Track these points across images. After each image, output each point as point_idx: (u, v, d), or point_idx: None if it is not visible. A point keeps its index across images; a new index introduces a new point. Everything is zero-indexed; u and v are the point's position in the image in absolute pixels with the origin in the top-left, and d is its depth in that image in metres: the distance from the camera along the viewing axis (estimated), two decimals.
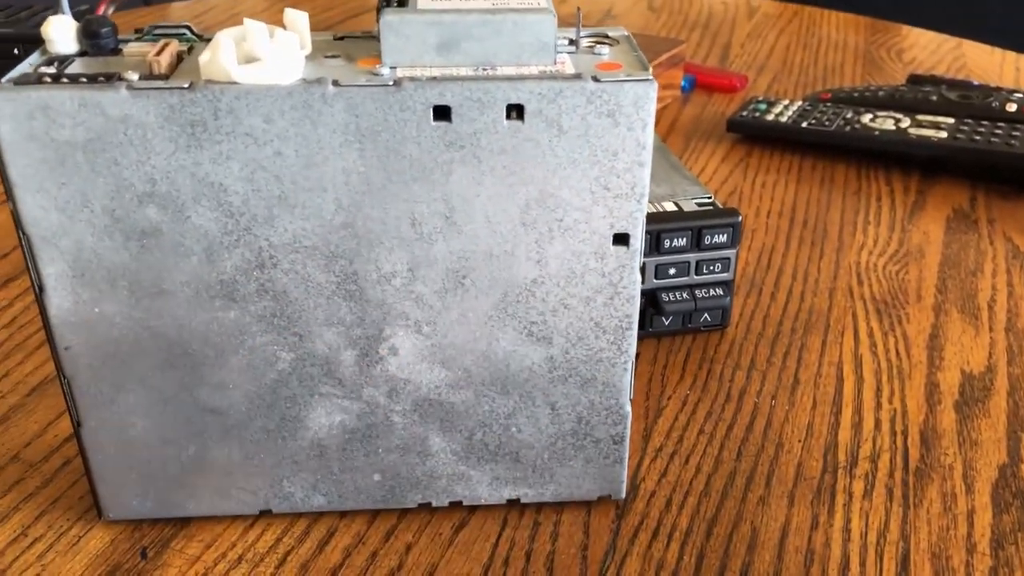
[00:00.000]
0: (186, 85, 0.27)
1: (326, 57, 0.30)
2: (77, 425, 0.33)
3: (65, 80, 0.27)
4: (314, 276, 0.31)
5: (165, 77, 0.28)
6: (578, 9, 0.31)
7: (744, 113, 0.71)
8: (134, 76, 0.28)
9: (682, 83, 0.79)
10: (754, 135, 0.71)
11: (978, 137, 0.64)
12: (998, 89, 0.72)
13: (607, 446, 0.35)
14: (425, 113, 0.28)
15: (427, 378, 0.33)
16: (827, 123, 0.68)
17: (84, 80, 0.27)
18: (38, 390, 0.43)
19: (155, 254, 0.30)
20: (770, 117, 0.70)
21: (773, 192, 0.63)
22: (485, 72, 0.29)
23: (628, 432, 0.35)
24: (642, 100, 0.28)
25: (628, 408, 0.34)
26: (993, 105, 0.69)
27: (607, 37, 0.32)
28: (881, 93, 0.72)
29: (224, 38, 0.28)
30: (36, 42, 0.68)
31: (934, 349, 0.47)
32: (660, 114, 0.76)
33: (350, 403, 0.33)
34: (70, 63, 0.29)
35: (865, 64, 0.90)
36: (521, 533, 0.36)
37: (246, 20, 0.28)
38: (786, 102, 0.73)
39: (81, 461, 0.34)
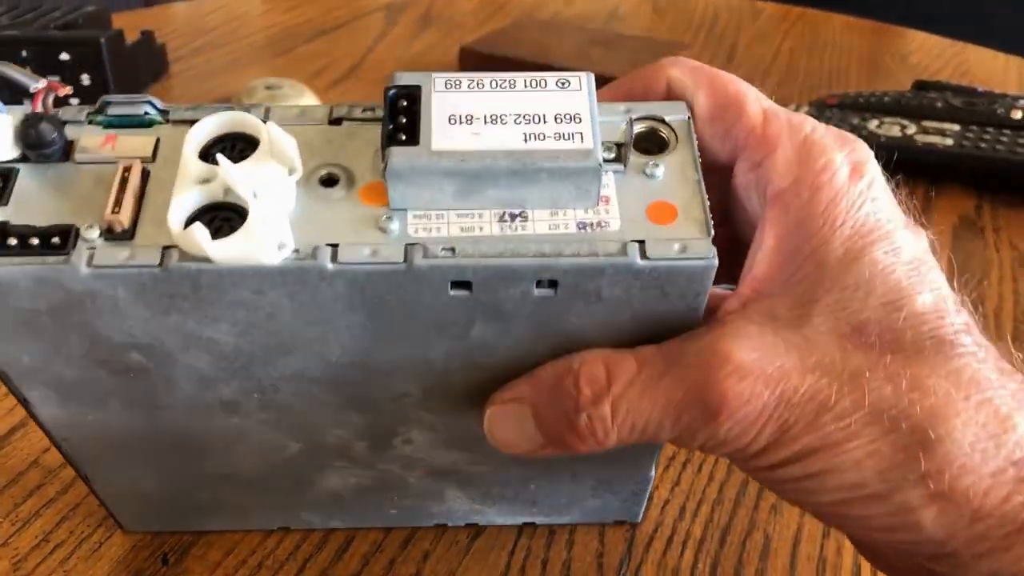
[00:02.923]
0: (156, 264, 0.23)
1: (321, 183, 0.24)
2: (84, 477, 0.33)
3: (13, 242, 0.23)
4: (320, 396, 0.28)
5: (130, 235, 0.23)
6: (629, 120, 0.25)
7: None
8: (94, 234, 0.23)
9: None
10: None
11: (983, 144, 0.64)
12: (1003, 95, 0.73)
13: (628, 497, 0.35)
14: (442, 284, 0.23)
15: (443, 459, 0.32)
16: None
17: (35, 242, 0.23)
18: None
19: (145, 383, 0.27)
20: None
21: None
22: (512, 225, 0.23)
23: (651, 487, 0.35)
24: (698, 277, 0.24)
25: (652, 473, 0.34)
26: (998, 112, 0.69)
27: (663, 124, 0.25)
28: (887, 99, 0.73)
29: (184, 196, 0.23)
30: (44, 44, 0.68)
31: None
32: None
33: (364, 472, 0.32)
34: (11, 185, 0.24)
35: (870, 69, 0.91)
36: (537, 542, 0.36)
37: (221, 161, 0.23)
38: (792, 107, 0.73)
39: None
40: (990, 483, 0.22)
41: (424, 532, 0.36)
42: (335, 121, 0.25)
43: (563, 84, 0.24)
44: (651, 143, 0.25)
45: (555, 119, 0.23)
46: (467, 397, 0.28)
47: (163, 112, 0.25)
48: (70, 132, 0.25)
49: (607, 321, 0.25)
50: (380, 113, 0.25)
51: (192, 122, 0.24)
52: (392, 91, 0.24)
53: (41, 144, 0.24)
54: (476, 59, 0.76)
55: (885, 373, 0.23)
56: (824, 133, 0.25)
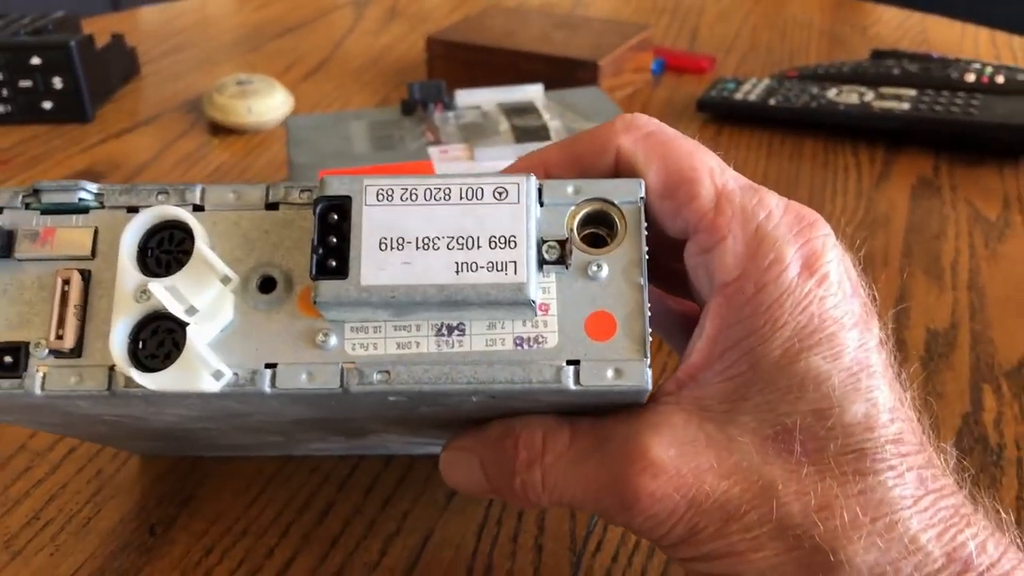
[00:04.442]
0: (104, 388, 0.23)
1: (259, 288, 0.24)
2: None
3: None
4: (289, 426, 0.30)
5: (77, 353, 0.23)
6: (570, 232, 0.24)
7: (713, 93, 0.73)
8: (43, 353, 0.23)
9: (652, 66, 0.81)
10: (724, 114, 0.73)
11: (939, 107, 0.66)
12: (956, 60, 0.75)
13: None
14: (381, 398, 0.24)
15: (416, 437, 0.34)
16: (793, 99, 0.70)
17: None
18: None
19: (122, 426, 0.29)
20: (738, 96, 0.72)
21: (744, 168, 0.65)
22: (449, 340, 0.23)
23: None
24: (632, 398, 0.24)
25: None
26: (952, 76, 0.71)
27: (612, 207, 0.24)
28: (845, 68, 0.75)
29: (123, 320, 0.23)
30: (15, 50, 0.69)
31: (901, 309, 0.49)
32: (632, 97, 0.78)
33: (346, 443, 0.35)
34: None
35: (830, 42, 0.93)
36: None
37: (153, 287, 0.22)
38: (754, 80, 0.75)
39: (85, 447, 0.35)
40: None
41: (402, 492, 0.37)
42: (271, 206, 0.24)
43: (500, 195, 0.23)
44: (599, 224, 0.24)
45: (489, 243, 0.23)
46: (432, 421, 0.29)
47: (98, 195, 0.25)
48: (7, 217, 0.25)
49: (550, 403, 0.25)
50: (312, 196, 0.24)
51: (128, 208, 0.24)
52: (321, 204, 0.23)
53: None
54: (443, 47, 0.77)
55: (797, 488, 0.23)
56: (778, 222, 0.24)
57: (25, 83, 0.70)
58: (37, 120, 0.71)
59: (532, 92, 0.60)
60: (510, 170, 0.27)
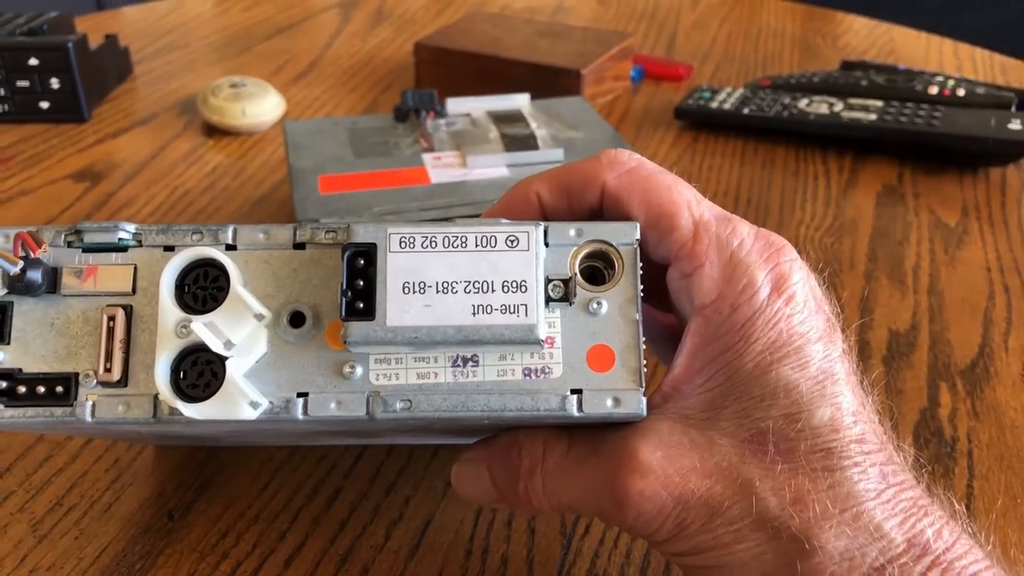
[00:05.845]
0: (150, 416, 0.25)
1: (290, 323, 0.26)
2: None
3: (23, 390, 0.26)
4: (309, 437, 0.33)
5: (124, 383, 0.26)
6: (573, 273, 0.27)
7: (690, 101, 0.76)
8: (92, 382, 0.26)
9: (631, 74, 0.84)
10: (700, 122, 0.76)
11: (904, 118, 0.69)
12: (921, 72, 0.79)
13: None
14: (401, 419, 0.26)
15: (426, 439, 0.36)
16: (767, 108, 0.73)
17: (42, 390, 0.26)
18: None
19: (152, 434, 0.32)
20: (714, 104, 0.75)
21: (719, 175, 0.68)
22: (464, 371, 0.26)
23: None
24: (630, 421, 0.27)
25: None
26: (917, 88, 0.74)
27: (611, 248, 0.27)
28: (816, 79, 0.78)
29: (166, 355, 0.25)
30: (13, 50, 0.71)
31: (865, 311, 0.53)
32: (612, 104, 0.81)
33: (357, 439, 0.37)
34: (9, 321, 0.26)
35: (802, 51, 0.96)
36: None
37: (194, 325, 0.25)
38: (729, 89, 0.78)
39: (102, 440, 0.38)
40: None
41: (404, 480, 0.40)
42: (299, 245, 0.27)
43: (512, 242, 0.25)
44: (599, 260, 0.27)
45: (503, 288, 0.25)
46: (442, 432, 0.32)
47: (136, 235, 0.27)
48: (51, 254, 0.27)
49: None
50: (341, 237, 0.26)
51: (165, 247, 0.27)
52: (349, 251, 0.25)
53: (31, 291, 0.26)
54: (431, 53, 0.79)
55: (773, 484, 0.26)
56: (750, 249, 0.27)
57: (23, 83, 0.72)
58: (35, 119, 0.73)
59: (519, 101, 0.62)
60: (507, 198, 0.30)
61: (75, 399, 0.26)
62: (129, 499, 0.39)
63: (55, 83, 0.72)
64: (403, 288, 0.25)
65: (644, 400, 0.26)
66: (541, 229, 0.26)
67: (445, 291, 0.25)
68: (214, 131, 0.73)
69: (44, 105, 0.73)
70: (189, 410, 0.25)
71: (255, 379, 0.26)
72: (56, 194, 0.64)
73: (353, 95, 0.82)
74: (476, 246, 0.25)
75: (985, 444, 0.43)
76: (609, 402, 0.26)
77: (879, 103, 0.72)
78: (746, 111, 0.73)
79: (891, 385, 0.47)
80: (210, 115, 0.72)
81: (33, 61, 0.71)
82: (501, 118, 0.60)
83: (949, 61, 0.94)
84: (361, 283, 0.25)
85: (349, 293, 0.25)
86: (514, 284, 0.25)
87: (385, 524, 0.38)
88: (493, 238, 0.25)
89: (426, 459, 0.41)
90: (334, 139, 0.58)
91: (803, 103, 0.73)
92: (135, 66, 0.85)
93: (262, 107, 0.72)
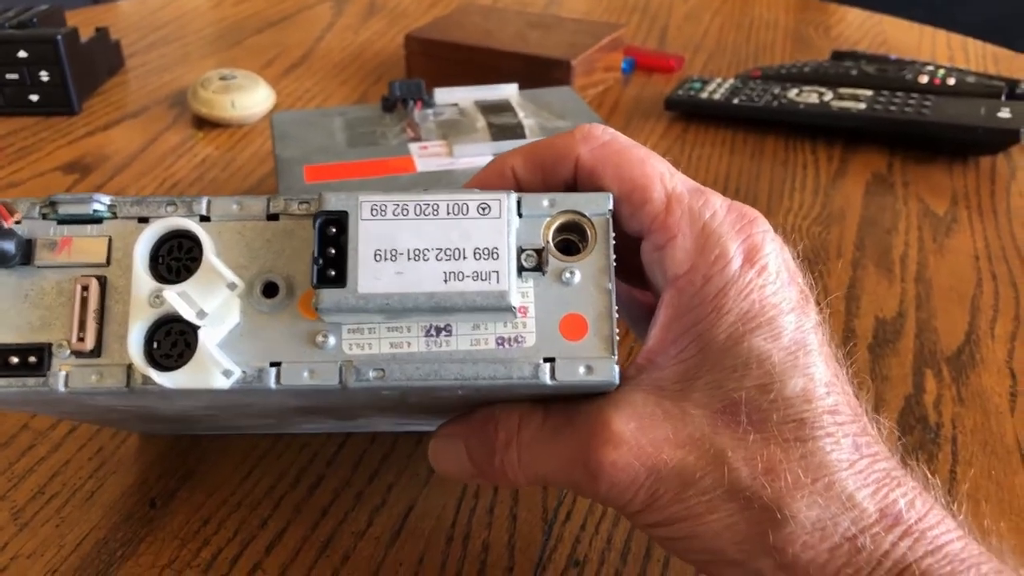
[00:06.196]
0: (123, 385, 0.25)
1: (263, 293, 0.26)
2: None
3: None
4: (288, 415, 0.33)
5: (97, 353, 0.26)
6: (546, 242, 0.26)
7: (680, 92, 0.76)
8: (65, 353, 0.26)
9: (622, 65, 0.84)
10: (690, 112, 0.76)
11: (893, 107, 0.69)
12: (912, 62, 0.78)
13: None
14: (375, 391, 0.26)
15: (405, 417, 0.36)
16: (756, 99, 0.73)
17: (15, 361, 0.26)
18: None
19: (130, 412, 0.31)
20: (704, 95, 0.75)
21: (708, 164, 0.68)
22: (437, 340, 0.26)
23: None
24: (603, 389, 0.27)
25: None
26: (907, 77, 0.74)
27: (584, 219, 0.27)
28: (806, 69, 0.78)
29: (139, 324, 0.25)
30: (2, 43, 0.71)
31: (852, 299, 0.53)
32: (603, 96, 0.81)
33: (337, 423, 0.37)
34: None
35: (794, 42, 0.96)
36: None
37: (167, 294, 0.25)
38: (719, 80, 0.78)
39: (85, 426, 0.38)
40: (827, 557, 0.25)
41: (387, 467, 0.40)
42: (272, 216, 0.27)
43: (484, 210, 0.25)
44: (572, 233, 0.27)
45: (474, 255, 0.25)
46: (419, 408, 0.31)
47: (111, 207, 0.27)
48: (26, 227, 0.27)
49: (529, 394, 0.28)
50: (314, 207, 0.26)
51: (139, 219, 0.27)
52: (320, 219, 0.25)
53: (4, 262, 0.26)
54: (421, 45, 0.79)
55: (745, 454, 0.26)
56: (722, 220, 0.27)
57: (12, 76, 0.72)
58: (25, 112, 0.73)
59: (507, 91, 0.62)
60: (483, 174, 0.30)
61: (48, 369, 0.26)
62: (112, 487, 0.39)
63: (45, 76, 0.72)
64: (375, 256, 0.25)
65: (617, 368, 0.26)
66: (513, 197, 0.26)
67: (416, 258, 0.25)
68: (204, 123, 0.73)
69: (34, 98, 0.73)
70: (162, 378, 0.25)
71: (228, 349, 0.26)
72: (45, 186, 0.64)
73: (344, 87, 0.82)
74: (448, 214, 0.25)
75: (969, 430, 0.43)
76: (582, 370, 0.26)
77: (869, 92, 0.72)
78: (736, 101, 0.73)
79: (876, 372, 0.47)
80: (199, 107, 0.72)
81: (22, 54, 0.71)
82: (489, 108, 0.60)
83: (942, 52, 0.94)
84: (333, 251, 0.25)
85: (321, 261, 0.25)
86: (486, 251, 0.25)
87: (367, 511, 0.38)
88: (465, 206, 0.25)
89: (410, 447, 0.41)
90: (321, 130, 0.58)
91: (793, 93, 0.73)
92: (127, 60, 0.85)
93: (252, 99, 0.72)
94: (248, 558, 0.36)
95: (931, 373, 0.47)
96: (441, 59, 0.78)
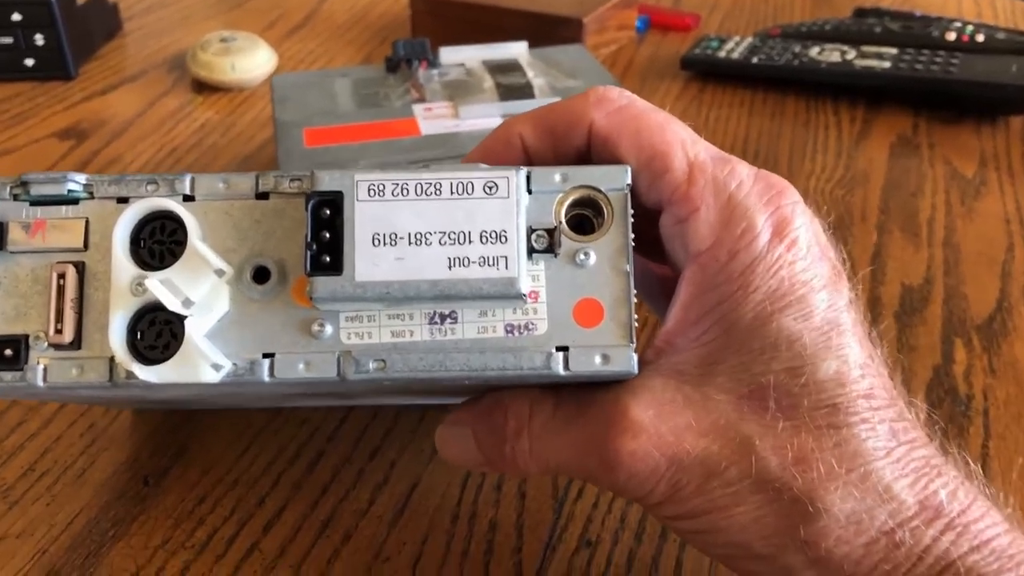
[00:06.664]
0: (106, 380, 0.24)
1: (253, 279, 0.24)
2: None
3: None
4: (285, 399, 0.31)
5: (76, 345, 0.24)
6: (558, 221, 0.24)
7: (697, 51, 0.73)
8: (43, 345, 0.24)
9: (636, 24, 0.81)
10: (707, 72, 0.73)
11: (919, 66, 0.66)
12: (938, 19, 0.75)
13: None
14: (375, 380, 0.24)
15: (406, 399, 0.34)
16: (776, 57, 0.70)
17: None
18: None
19: (117, 399, 0.29)
20: (722, 54, 0.72)
21: (727, 126, 0.66)
22: (442, 328, 0.24)
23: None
24: (620, 379, 0.25)
25: None
26: (933, 34, 0.71)
27: (599, 194, 0.25)
28: (828, 27, 0.75)
29: (120, 313, 0.23)
30: (3, 5, 0.69)
31: (877, 265, 0.51)
32: (616, 55, 0.78)
33: (338, 399, 0.35)
34: None
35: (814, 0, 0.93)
36: None
37: (149, 283, 0.23)
38: (737, 39, 0.75)
39: (77, 405, 0.36)
40: (862, 553, 0.23)
41: (390, 443, 0.38)
42: (262, 195, 0.24)
43: (491, 189, 0.23)
44: (587, 208, 0.25)
45: (480, 238, 0.23)
46: (423, 393, 0.30)
47: (87, 186, 0.25)
48: None
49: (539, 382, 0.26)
50: (306, 186, 0.24)
51: (118, 199, 0.24)
52: (313, 200, 0.23)
53: None
54: (427, 4, 0.77)
55: (774, 442, 0.24)
56: (749, 191, 0.25)
57: (5, 39, 0.70)
58: (20, 77, 0.71)
59: (516, 50, 0.60)
60: (489, 141, 0.28)
61: (25, 363, 0.24)
62: (104, 464, 0.38)
63: (39, 39, 0.70)
64: (373, 240, 0.23)
65: (635, 357, 0.24)
66: (523, 174, 0.24)
67: (418, 243, 0.23)
68: (203, 87, 0.71)
69: (29, 62, 0.71)
70: (146, 373, 0.23)
71: (217, 339, 0.24)
72: (40, 153, 0.62)
73: (348, 49, 0.79)
74: (451, 193, 0.23)
75: (1002, 402, 0.41)
76: (598, 359, 0.24)
77: (893, 50, 0.69)
78: (755, 60, 0.71)
79: (903, 341, 0.45)
80: (199, 71, 0.70)
81: (16, 16, 0.69)
82: (497, 67, 0.57)
83: (969, 7, 0.91)
84: (327, 235, 0.23)
85: (314, 246, 0.23)
86: (493, 234, 0.23)
87: (369, 488, 0.37)
88: (470, 184, 0.23)
89: (413, 422, 0.40)
90: (322, 92, 0.55)
91: (814, 51, 0.70)
92: (125, 23, 0.83)
93: (252, 62, 0.70)
94: (245, 538, 0.35)
95: (961, 342, 0.45)
96: (448, 18, 0.76)
